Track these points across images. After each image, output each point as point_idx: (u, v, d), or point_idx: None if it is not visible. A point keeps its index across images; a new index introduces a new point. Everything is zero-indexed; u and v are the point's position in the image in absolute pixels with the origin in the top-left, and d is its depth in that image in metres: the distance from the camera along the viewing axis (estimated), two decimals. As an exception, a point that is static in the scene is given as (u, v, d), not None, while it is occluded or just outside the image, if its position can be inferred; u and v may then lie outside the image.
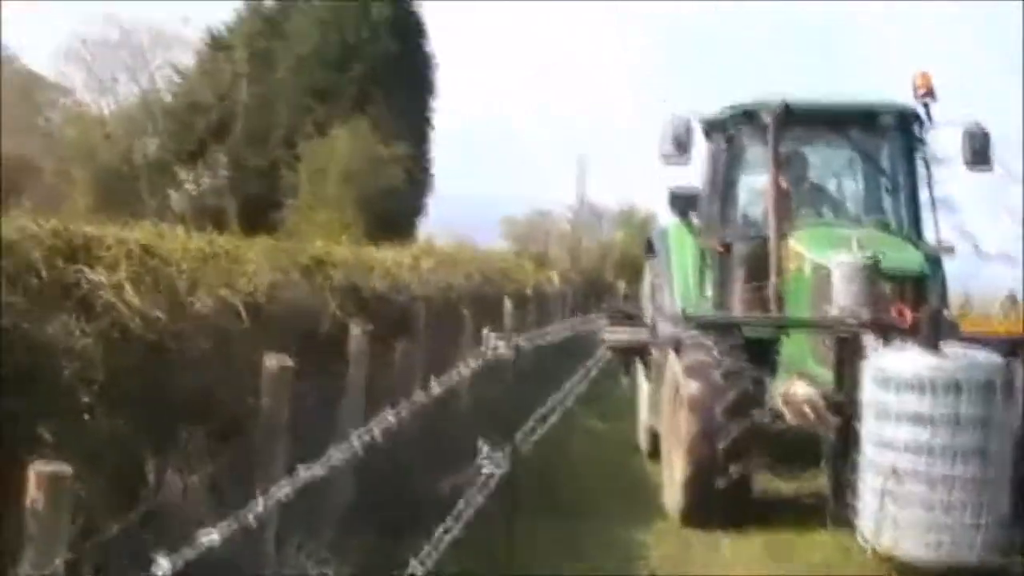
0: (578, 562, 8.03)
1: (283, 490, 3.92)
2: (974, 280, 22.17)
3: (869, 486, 7.54)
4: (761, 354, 9.92)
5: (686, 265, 11.79)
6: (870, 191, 11.68)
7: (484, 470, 5.51)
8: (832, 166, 12.19)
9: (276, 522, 5.51)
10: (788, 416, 9.25)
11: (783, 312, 10.28)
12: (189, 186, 40.40)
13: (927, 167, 11.27)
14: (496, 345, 7.03)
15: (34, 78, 36.96)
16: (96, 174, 35.39)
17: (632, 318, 11.69)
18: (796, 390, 9.24)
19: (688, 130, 11.24)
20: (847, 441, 8.08)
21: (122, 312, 4.70)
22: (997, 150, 11.03)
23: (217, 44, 41.55)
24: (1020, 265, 24.54)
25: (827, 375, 9.00)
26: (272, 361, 5.63)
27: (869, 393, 7.65)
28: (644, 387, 12.32)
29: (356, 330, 7.55)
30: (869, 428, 7.62)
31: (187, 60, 41.17)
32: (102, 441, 4.30)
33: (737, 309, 10.80)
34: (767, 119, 10.75)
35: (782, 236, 10.41)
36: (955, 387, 7.23)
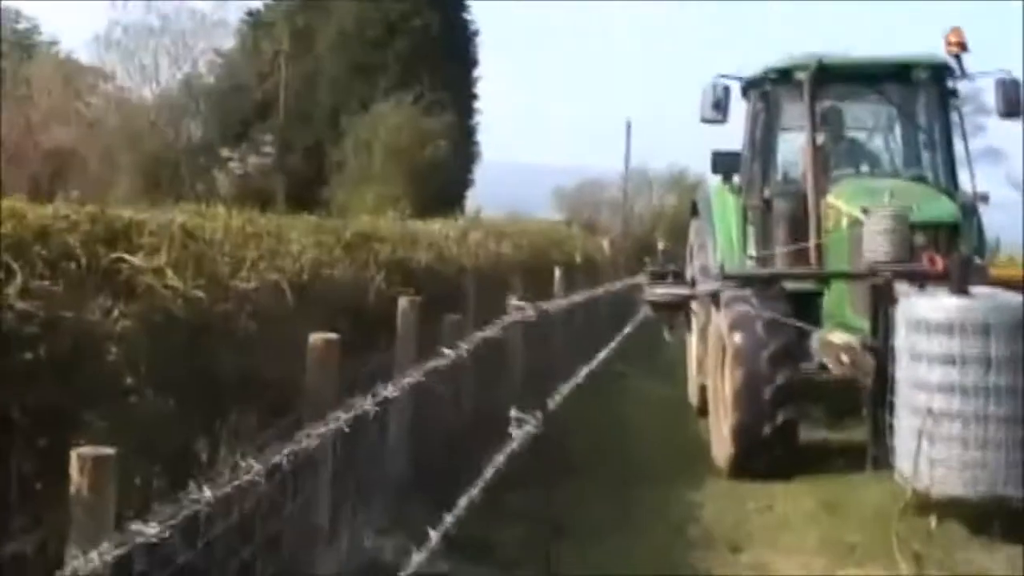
0: (628, 524, 7.96)
1: (338, 421, 4.14)
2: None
3: (905, 427, 7.75)
4: (805, 307, 10.21)
5: (729, 224, 12.07)
6: (906, 144, 11.95)
7: (514, 433, 5.61)
8: (868, 121, 12.49)
9: (329, 496, 5.54)
10: (828, 364, 9.58)
11: (823, 266, 10.57)
12: (235, 167, 40.34)
13: (960, 118, 11.50)
14: (520, 307, 7.38)
15: (73, 64, 36.89)
16: (142, 160, 35.24)
17: (670, 276, 11.91)
18: (833, 338, 9.56)
19: (727, 92, 11.74)
20: (884, 385, 8.33)
21: (163, 295, 4.65)
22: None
23: (257, 22, 41.65)
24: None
25: (865, 324, 9.26)
26: (317, 337, 5.50)
27: (902, 337, 7.88)
28: (693, 345, 12.67)
29: (404, 303, 7.50)
30: (904, 371, 7.85)
31: (229, 44, 41.02)
32: (150, 424, 4.32)
33: (779, 265, 11.07)
34: (802, 78, 11.05)
35: (820, 192, 10.71)
36: (984, 328, 7.46)
